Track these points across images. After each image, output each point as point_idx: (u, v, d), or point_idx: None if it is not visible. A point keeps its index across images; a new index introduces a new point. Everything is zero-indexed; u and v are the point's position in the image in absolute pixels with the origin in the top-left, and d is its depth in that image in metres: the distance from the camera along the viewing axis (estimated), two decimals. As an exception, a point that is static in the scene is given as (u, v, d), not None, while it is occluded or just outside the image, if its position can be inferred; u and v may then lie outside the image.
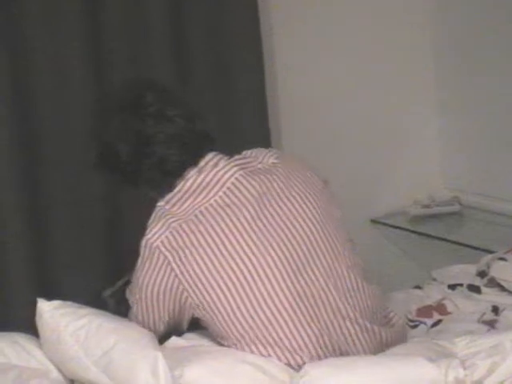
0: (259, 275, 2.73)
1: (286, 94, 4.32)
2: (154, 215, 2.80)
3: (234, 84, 4.14)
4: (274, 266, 2.74)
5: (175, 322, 2.86)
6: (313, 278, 2.80)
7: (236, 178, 2.80)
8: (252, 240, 2.75)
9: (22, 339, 2.96)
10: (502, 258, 3.59)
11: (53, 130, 3.83)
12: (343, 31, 4.52)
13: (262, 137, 4.16)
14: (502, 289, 3.49)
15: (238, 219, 2.76)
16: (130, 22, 3.89)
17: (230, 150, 3.10)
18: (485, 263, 3.62)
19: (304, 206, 2.84)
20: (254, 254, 2.74)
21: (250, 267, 2.73)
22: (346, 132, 4.39)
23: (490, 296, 3.46)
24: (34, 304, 2.91)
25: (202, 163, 2.83)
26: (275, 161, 2.90)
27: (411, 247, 4.51)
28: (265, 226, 2.78)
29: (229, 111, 4.11)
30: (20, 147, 3.72)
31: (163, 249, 2.71)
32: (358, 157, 4.32)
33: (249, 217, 2.77)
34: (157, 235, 2.74)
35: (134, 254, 2.96)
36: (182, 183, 2.82)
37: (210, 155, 2.84)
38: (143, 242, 2.78)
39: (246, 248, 2.74)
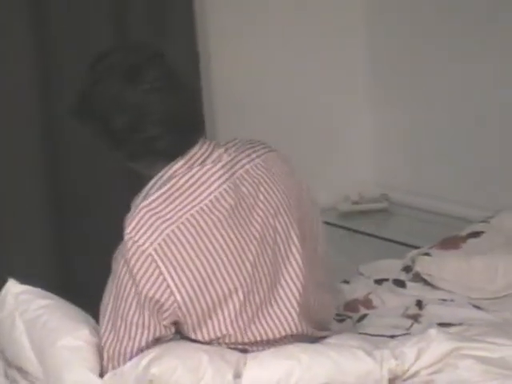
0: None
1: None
2: (138, 217, 2.69)
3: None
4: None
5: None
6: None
7: (223, 189, 2.75)
8: (238, 250, 2.75)
9: None
10: (426, 254, 3.68)
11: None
12: (279, 27, 4.61)
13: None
14: (426, 283, 3.59)
15: (228, 229, 2.73)
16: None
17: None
18: (410, 258, 3.71)
19: (276, 220, 2.82)
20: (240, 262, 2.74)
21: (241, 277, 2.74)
22: (278, 128, 4.41)
23: (415, 290, 3.55)
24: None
25: (191, 153, 2.75)
26: (262, 163, 2.85)
27: (340, 243, 4.50)
28: (244, 237, 2.77)
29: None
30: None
31: (156, 257, 2.65)
32: (289, 153, 4.29)
33: (233, 226, 2.74)
34: (149, 242, 2.65)
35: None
36: (163, 190, 2.72)
37: (197, 147, 2.77)
38: (131, 245, 2.67)
39: (237, 258, 2.74)
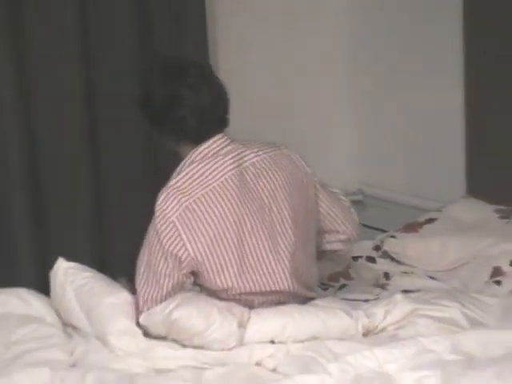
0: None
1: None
2: (166, 193, 2.85)
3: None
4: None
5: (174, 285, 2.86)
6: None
7: (231, 175, 2.87)
8: (240, 217, 2.86)
9: (24, 293, 3.01)
10: (392, 236, 3.71)
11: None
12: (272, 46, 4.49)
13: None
14: (392, 259, 3.62)
15: (232, 203, 2.85)
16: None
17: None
18: (379, 240, 3.74)
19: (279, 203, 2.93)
20: (240, 225, 2.86)
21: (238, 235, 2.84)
22: (266, 124, 4.29)
23: (383, 265, 3.57)
24: (36, 268, 3.06)
25: (210, 142, 2.89)
26: (268, 159, 2.96)
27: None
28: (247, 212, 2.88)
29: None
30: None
31: (177, 223, 2.80)
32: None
33: (237, 203, 2.86)
34: (172, 211, 2.81)
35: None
36: (189, 169, 2.87)
37: (216, 137, 2.91)
38: (159, 213, 2.83)
39: (237, 223, 2.84)
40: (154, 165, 4.08)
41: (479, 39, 4.02)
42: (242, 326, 2.73)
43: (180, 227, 2.82)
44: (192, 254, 2.82)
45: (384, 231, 3.95)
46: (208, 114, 2.92)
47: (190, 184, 2.86)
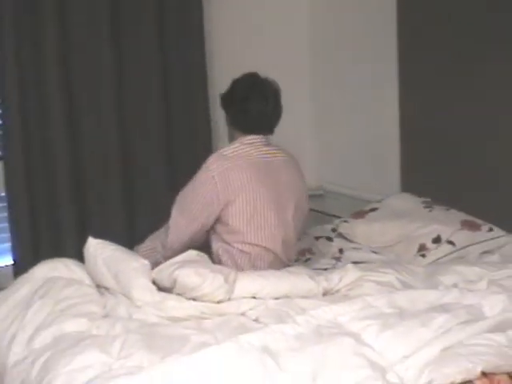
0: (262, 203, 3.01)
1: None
2: (213, 156, 3.04)
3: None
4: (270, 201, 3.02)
5: (203, 225, 3.03)
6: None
7: (264, 160, 3.04)
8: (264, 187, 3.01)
9: (69, 262, 3.04)
10: (345, 221, 3.77)
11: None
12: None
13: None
14: (345, 239, 3.65)
15: (257, 175, 3.02)
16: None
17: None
18: (335, 224, 3.79)
19: (289, 191, 3.10)
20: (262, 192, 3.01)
21: (259, 198, 3.01)
22: None
23: (338, 243, 3.60)
24: (77, 243, 3.05)
25: (255, 136, 3.07)
26: (287, 160, 3.14)
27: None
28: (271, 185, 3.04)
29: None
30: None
31: (217, 178, 2.97)
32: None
33: (262, 177, 3.02)
34: (215, 169, 2.97)
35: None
36: (239, 145, 3.05)
37: (260, 136, 3.08)
38: (205, 169, 3.00)
39: (256, 189, 3.00)
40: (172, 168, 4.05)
41: (413, 52, 3.94)
42: (228, 282, 2.75)
43: (218, 180, 2.97)
44: (222, 199, 2.97)
45: (339, 217, 3.96)
46: (265, 121, 3.11)
47: (234, 155, 3.02)
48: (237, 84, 3.13)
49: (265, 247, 3.04)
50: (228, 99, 3.13)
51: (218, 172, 2.99)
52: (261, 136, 3.09)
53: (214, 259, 3.06)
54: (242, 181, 3.00)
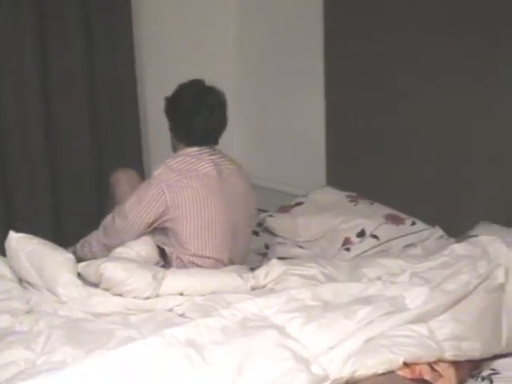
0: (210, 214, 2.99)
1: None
2: (164, 167, 3.00)
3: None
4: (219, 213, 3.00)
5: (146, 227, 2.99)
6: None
7: (212, 169, 3.01)
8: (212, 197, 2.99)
9: None
10: (271, 215, 3.78)
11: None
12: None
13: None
14: (271, 233, 3.67)
15: (208, 187, 2.99)
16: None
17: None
18: (261, 218, 3.76)
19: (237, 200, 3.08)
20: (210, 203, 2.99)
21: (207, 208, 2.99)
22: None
23: (264, 238, 3.62)
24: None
25: (201, 148, 3.03)
26: (235, 169, 3.12)
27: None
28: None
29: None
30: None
31: (166, 190, 2.95)
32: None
33: (213, 186, 3.01)
34: (165, 182, 2.95)
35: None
36: (185, 157, 3.01)
37: (206, 148, 3.05)
38: (156, 179, 2.97)
39: (209, 200, 2.99)
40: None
41: (338, 48, 3.99)
42: (156, 279, 2.77)
43: (167, 191, 2.95)
44: (169, 203, 2.95)
45: (265, 211, 3.92)
46: (211, 135, 3.08)
47: (182, 168, 2.99)
48: (182, 94, 3.07)
49: (216, 259, 3.03)
50: (173, 110, 3.09)
51: (168, 185, 2.97)
52: (206, 147, 3.06)
53: (167, 259, 3.07)
54: (191, 194, 2.97)
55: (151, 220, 3.00)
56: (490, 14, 3.37)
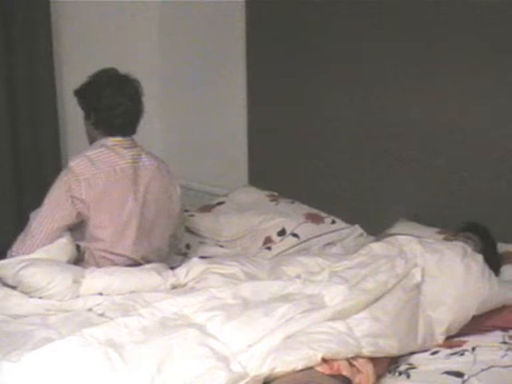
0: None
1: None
2: (79, 158, 2.95)
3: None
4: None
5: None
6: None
7: (129, 165, 2.99)
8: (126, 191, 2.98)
9: None
10: (191, 215, 3.72)
11: None
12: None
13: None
14: (192, 232, 3.61)
15: (121, 183, 2.97)
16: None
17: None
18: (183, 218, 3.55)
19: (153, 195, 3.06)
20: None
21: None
22: None
23: (185, 237, 3.50)
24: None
25: (120, 137, 3.00)
26: (154, 164, 3.08)
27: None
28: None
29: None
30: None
31: (83, 182, 2.90)
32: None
33: (129, 183, 2.98)
34: (82, 175, 2.91)
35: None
36: (104, 149, 2.97)
37: (123, 138, 3.02)
38: (71, 170, 2.91)
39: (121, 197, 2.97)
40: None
41: (260, 49, 4.00)
42: (77, 281, 2.77)
43: (83, 184, 2.91)
44: (85, 199, 2.91)
45: (186, 211, 3.80)
46: (128, 122, 3.04)
47: (99, 160, 2.95)
48: (95, 82, 3.03)
49: (128, 256, 3.01)
50: (90, 99, 3.03)
51: (85, 178, 2.93)
52: (125, 138, 3.04)
53: (81, 255, 3.04)
54: (105, 189, 2.95)
55: (68, 223, 2.97)
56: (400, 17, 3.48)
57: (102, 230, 2.96)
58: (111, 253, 2.98)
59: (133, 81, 3.05)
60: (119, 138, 3.02)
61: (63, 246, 2.96)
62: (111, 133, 3.02)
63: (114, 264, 2.98)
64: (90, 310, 2.71)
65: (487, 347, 2.55)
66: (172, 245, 3.28)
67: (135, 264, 3.01)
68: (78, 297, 2.75)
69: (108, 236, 2.97)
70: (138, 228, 3.01)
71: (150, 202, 3.05)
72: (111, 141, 3.01)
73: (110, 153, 2.99)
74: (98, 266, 2.96)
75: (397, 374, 2.45)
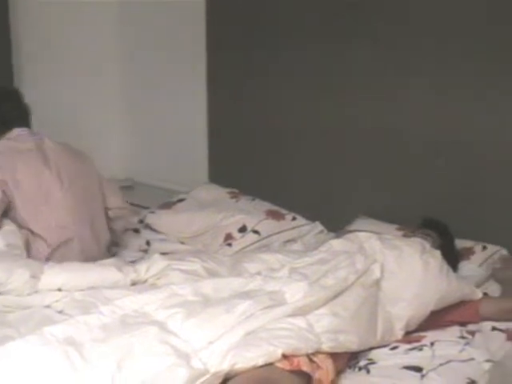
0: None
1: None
2: None
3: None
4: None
5: None
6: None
7: (35, 150, 3.12)
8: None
9: None
10: (152, 212, 3.75)
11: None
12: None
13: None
14: (152, 230, 3.66)
15: (33, 166, 3.08)
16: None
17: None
18: (143, 215, 3.77)
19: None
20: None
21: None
22: (60, 124, 4.09)
23: (145, 234, 3.62)
24: None
25: (20, 130, 3.17)
26: (58, 147, 3.22)
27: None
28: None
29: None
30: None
31: None
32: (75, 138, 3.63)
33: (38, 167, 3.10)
34: None
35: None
36: (6, 140, 3.13)
37: (25, 128, 3.18)
38: None
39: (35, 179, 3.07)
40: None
41: (220, 50, 4.02)
42: (35, 276, 2.75)
43: None
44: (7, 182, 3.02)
45: (147, 208, 3.93)
46: (23, 121, 3.23)
47: (6, 149, 3.08)
48: None
49: (61, 226, 3.08)
50: None
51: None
52: (25, 128, 3.20)
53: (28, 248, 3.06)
54: (20, 171, 3.05)
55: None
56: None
57: (29, 213, 3.04)
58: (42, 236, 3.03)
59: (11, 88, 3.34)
60: (18, 129, 3.18)
61: (14, 232, 2.99)
62: (9, 128, 3.19)
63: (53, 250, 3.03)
64: (48, 306, 2.69)
65: (445, 342, 2.59)
66: (120, 216, 3.41)
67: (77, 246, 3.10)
68: (36, 292, 2.74)
69: (35, 216, 3.05)
70: (66, 201, 3.12)
71: (68, 179, 3.16)
72: (13, 133, 3.17)
73: (13, 142, 3.15)
74: (39, 252, 3.02)
75: (357, 369, 2.48)
